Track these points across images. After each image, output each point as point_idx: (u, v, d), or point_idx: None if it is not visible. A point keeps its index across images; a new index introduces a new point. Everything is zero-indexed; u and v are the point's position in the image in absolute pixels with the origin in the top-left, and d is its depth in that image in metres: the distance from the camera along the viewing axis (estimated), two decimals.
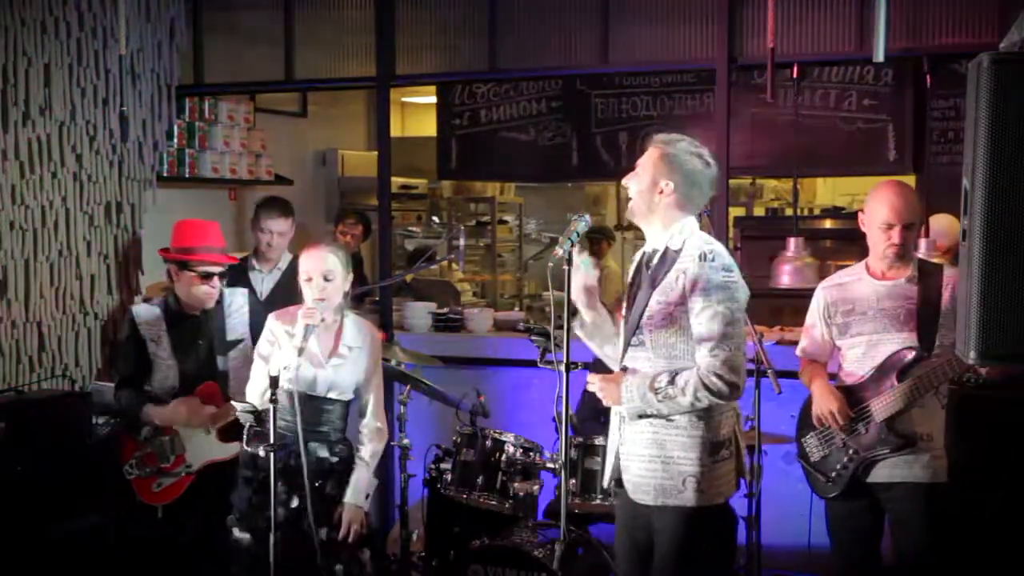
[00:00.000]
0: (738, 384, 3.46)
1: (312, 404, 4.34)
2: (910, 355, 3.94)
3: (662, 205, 3.58)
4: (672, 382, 3.48)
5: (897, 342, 3.98)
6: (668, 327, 3.53)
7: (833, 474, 4.12)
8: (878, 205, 4.05)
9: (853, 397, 4.07)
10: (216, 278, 4.82)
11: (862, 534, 4.15)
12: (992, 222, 2.22)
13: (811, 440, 4.22)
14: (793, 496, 5.34)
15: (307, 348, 4.21)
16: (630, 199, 3.64)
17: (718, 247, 3.56)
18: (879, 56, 5.12)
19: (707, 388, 3.44)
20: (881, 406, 3.98)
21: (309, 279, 4.31)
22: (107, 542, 5.10)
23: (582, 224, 3.58)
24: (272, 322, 4.43)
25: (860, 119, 6.90)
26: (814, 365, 4.27)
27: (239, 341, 4.86)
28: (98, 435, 5.28)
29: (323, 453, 4.37)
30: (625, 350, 3.67)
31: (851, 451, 4.06)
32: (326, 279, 4.30)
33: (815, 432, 4.18)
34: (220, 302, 4.89)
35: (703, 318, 3.46)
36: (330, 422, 4.41)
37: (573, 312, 3.66)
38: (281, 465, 4.18)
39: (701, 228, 4.18)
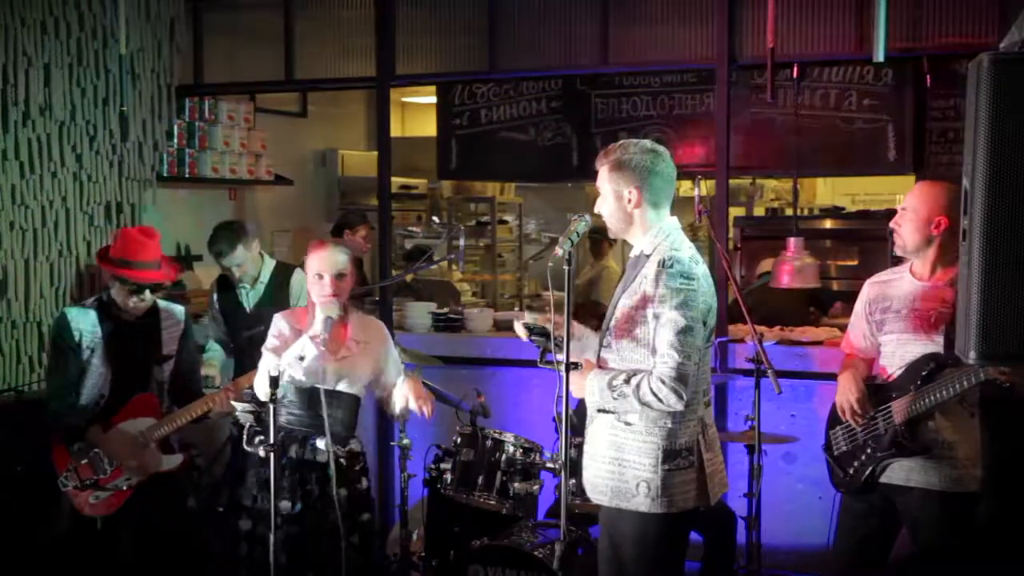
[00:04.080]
0: (681, 393, 3.42)
1: (319, 397, 4.37)
2: (935, 361, 3.88)
3: (636, 212, 3.58)
4: (627, 381, 3.48)
5: (923, 344, 3.93)
6: (631, 331, 3.53)
7: (851, 470, 4.09)
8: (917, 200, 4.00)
9: (880, 396, 4.03)
10: (148, 292, 4.73)
11: (869, 534, 4.11)
12: (991, 222, 2.22)
13: (838, 433, 4.17)
14: (793, 496, 5.35)
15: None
16: (606, 224, 3.65)
17: (682, 253, 3.53)
18: (879, 56, 5.12)
19: (653, 392, 3.43)
20: (900, 408, 3.94)
21: (320, 276, 4.35)
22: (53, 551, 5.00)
23: (582, 224, 3.58)
24: (279, 320, 4.48)
25: (860, 119, 6.89)
26: (853, 359, 4.21)
27: (171, 356, 4.84)
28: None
29: (334, 446, 4.38)
30: (599, 353, 3.68)
31: (869, 449, 4.03)
32: (338, 276, 4.35)
33: (842, 426, 4.14)
34: (157, 314, 4.83)
35: (657, 324, 3.46)
36: (337, 418, 4.43)
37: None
38: (296, 457, 4.29)
39: (693, 229, 4.18)
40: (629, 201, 3.55)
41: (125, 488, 4.68)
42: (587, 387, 3.57)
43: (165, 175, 6.93)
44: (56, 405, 4.75)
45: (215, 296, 5.96)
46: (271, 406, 4.02)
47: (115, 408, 4.70)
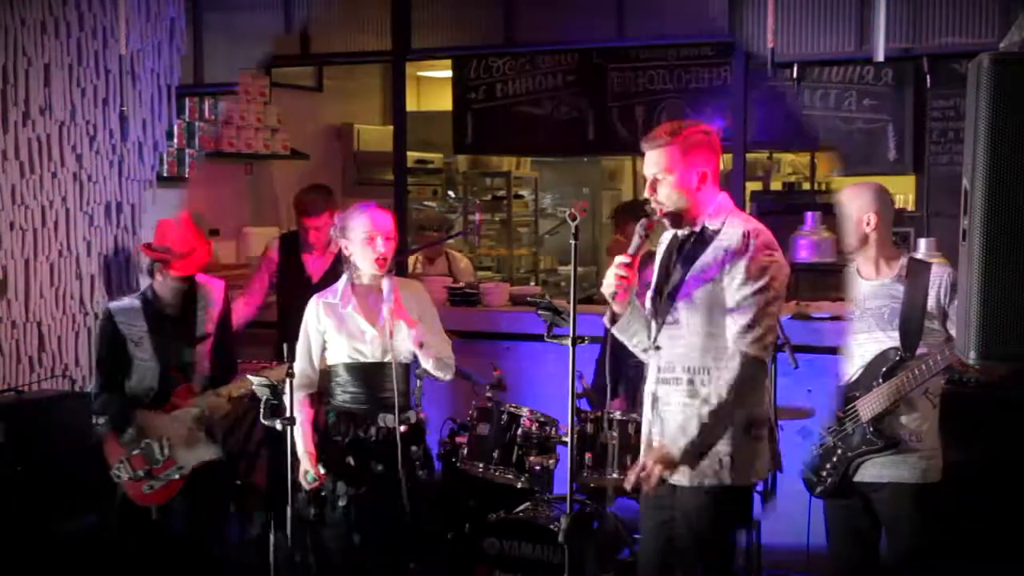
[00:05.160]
0: (765, 362, 3.46)
1: (369, 372, 4.28)
2: (893, 355, 3.93)
3: (706, 191, 3.53)
4: (700, 431, 3.41)
5: (881, 341, 3.98)
6: (703, 303, 3.48)
7: (824, 474, 4.14)
8: None
9: (844, 397, 4.09)
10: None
11: (858, 534, 4.15)
12: (992, 222, 2.19)
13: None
14: (792, 496, 5.29)
15: (351, 314, 4.24)
16: (662, 204, 3.51)
17: (761, 226, 3.54)
18: (879, 56, 5.10)
19: (740, 364, 3.39)
20: (866, 406, 3.99)
21: (371, 239, 4.23)
22: (106, 542, 5.06)
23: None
24: (316, 303, 4.36)
25: (860, 119, 6.87)
26: None
27: (206, 336, 4.85)
28: (98, 435, 5.14)
29: (390, 422, 4.27)
30: (659, 330, 3.59)
31: (839, 451, 4.08)
32: (387, 238, 4.24)
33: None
34: (194, 295, 4.85)
35: (740, 295, 3.42)
36: (391, 388, 4.27)
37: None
38: (351, 439, 4.24)
39: None
40: (703, 179, 3.51)
41: (177, 477, 4.71)
42: (680, 457, 3.46)
43: (165, 175, 6.90)
44: (106, 397, 4.80)
45: (275, 255, 5.87)
46: (288, 380, 4.03)
47: (163, 399, 4.75)
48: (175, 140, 6.86)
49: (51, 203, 5.83)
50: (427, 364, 4.27)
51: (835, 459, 4.08)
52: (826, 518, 4.26)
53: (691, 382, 3.51)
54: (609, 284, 3.42)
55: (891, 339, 3.94)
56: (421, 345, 4.17)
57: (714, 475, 3.50)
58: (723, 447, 3.48)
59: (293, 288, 5.54)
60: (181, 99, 6.88)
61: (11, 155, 5.61)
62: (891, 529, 4.06)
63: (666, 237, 3.69)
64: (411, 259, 7.20)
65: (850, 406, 4.04)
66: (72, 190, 5.95)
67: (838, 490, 4.09)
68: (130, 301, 4.88)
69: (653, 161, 3.50)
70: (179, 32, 6.50)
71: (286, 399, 4.08)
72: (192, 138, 7.02)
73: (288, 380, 4.01)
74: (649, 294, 3.66)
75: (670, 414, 3.56)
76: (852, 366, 4.09)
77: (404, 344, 4.26)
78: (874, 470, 4.00)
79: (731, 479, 3.50)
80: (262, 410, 4.28)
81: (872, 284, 4.06)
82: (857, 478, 4.04)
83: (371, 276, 4.25)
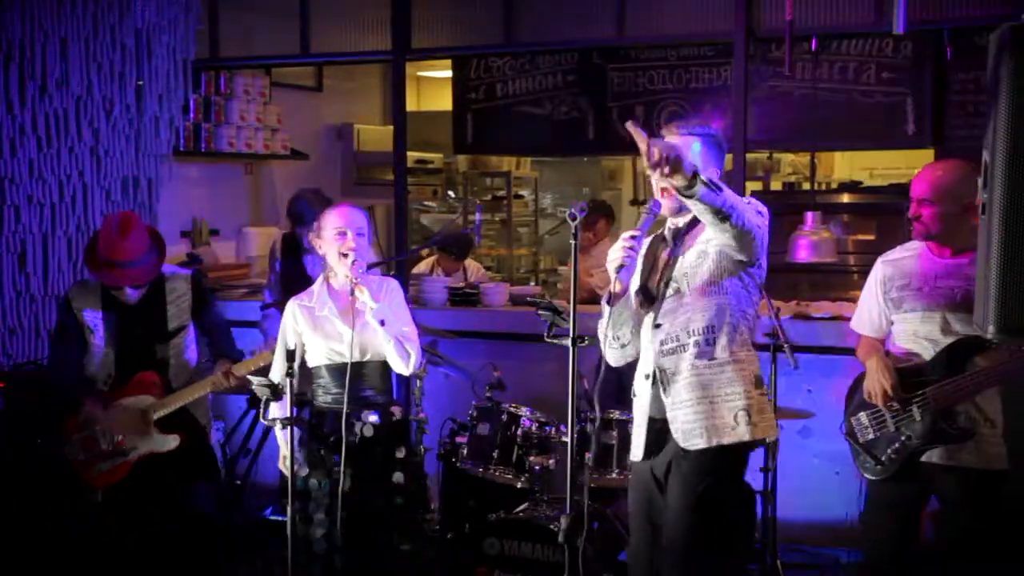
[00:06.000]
0: (756, 229, 3.34)
1: (349, 372, 4.21)
2: (971, 344, 3.73)
3: None
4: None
5: (949, 323, 3.80)
6: (701, 266, 3.49)
7: (884, 458, 3.93)
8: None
9: (911, 380, 3.87)
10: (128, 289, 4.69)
11: (902, 520, 3.98)
12: (1012, 195, 2.20)
13: (862, 419, 4.01)
14: (808, 471, 5.34)
15: (327, 316, 4.22)
16: (666, 191, 3.46)
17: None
18: (898, 28, 5.08)
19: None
20: (940, 394, 3.80)
21: (342, 233, 4.19)
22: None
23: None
24: (293, 306, 4.35)
25: (879, 92, 6.82)
26: (872, 341, 4.08)
27: (181, 328, 4.79)
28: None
29: (371, 418, 4.25)
30: (659, 307, 3.57)
31: (904, 437, 3.88)
32: (358, 234, 4.22)
33: (867, 411, 3.99)
34: (162, 288, 4.77)
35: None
36: (372, 386, 4.30)
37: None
38: (333, 439, 4.19)
39: None
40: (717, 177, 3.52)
41: (125, 460, 4.65)
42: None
43: (182, 149, 6.93)
44: (58, 380, 4.77)
45: (278, 257, 5.86)
46: (288, 379, 3.98)
47: (121, 386, 4.70)
48: (191, 114, 6.90)
49: (68, 177, 5.86)
50: (389, 346, 4.18)
51: (897, 445, 3.88)
52: (867, 499, 4.07)
53: (698, 343, 3.49)
54: (616, 258, 3.31)
55: (958, 322, 3.74)
56: (383, 323, 4.13)
57: (731, 431, 3.47)
58: (738, 402, 3.47)
59: (295, 290, 5.52)
60: (197, 73, 6.89)
61: (28, 129, 5.63)
62: (949, 513, 3.93)
63: (647, 239, 3.66)
64: (430, 270, 7.23)
65: (919, 392, 3.83)
66: (89, 164, 5.97)
67: (900, 473, 3.89)
68: (91, 285, 4.77)
69: (684, 146, 3.41)
70: (195, 6, 6.50)
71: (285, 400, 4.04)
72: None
73: (288, 380, 3.97)
74: (635, 288, 3.63)
75: (680, 380, 3.52)
76: (914, 345, 3.90)
77: (375, 335, 4.21)
78: (944, 452, 3.80)
79: (749, 433, 3.46)
80: (262, 409, 4.30)
81: (945, 263, 3.86)
82: (924, 458, 3.84)
83: (344, 274, 4.19)
